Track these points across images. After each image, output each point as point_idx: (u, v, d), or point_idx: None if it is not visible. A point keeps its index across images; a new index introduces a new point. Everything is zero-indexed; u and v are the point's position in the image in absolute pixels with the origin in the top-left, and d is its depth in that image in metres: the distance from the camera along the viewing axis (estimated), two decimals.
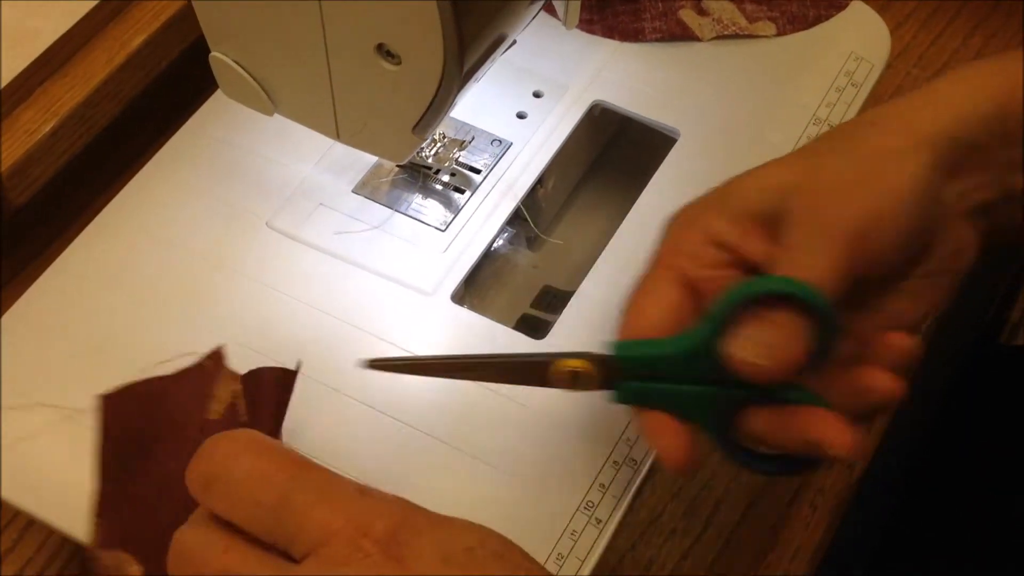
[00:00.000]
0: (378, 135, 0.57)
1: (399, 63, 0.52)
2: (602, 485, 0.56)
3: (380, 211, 0.65)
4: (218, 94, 0.68)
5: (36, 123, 0.66)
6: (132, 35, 0.70)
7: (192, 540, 0.43)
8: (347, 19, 0.52)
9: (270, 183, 0.66)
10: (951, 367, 0.79)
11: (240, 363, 0.59)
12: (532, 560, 0.44)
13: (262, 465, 0.43)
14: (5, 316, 0.61)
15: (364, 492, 0.43)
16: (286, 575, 0.41)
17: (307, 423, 0.57)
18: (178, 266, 0.63)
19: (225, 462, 0.43)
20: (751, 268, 0.51)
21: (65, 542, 0.61)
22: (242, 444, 0.44)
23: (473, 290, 0.66)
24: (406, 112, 0.55)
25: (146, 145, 0.70)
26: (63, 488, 0.56)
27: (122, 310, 0.61)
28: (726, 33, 0.72)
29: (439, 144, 0.66)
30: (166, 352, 0.59)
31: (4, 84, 0.66)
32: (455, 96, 0.53)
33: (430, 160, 0.65)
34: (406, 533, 0.42)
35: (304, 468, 0.43)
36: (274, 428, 0.54)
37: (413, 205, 0.65)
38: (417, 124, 0.55)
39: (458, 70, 0.52)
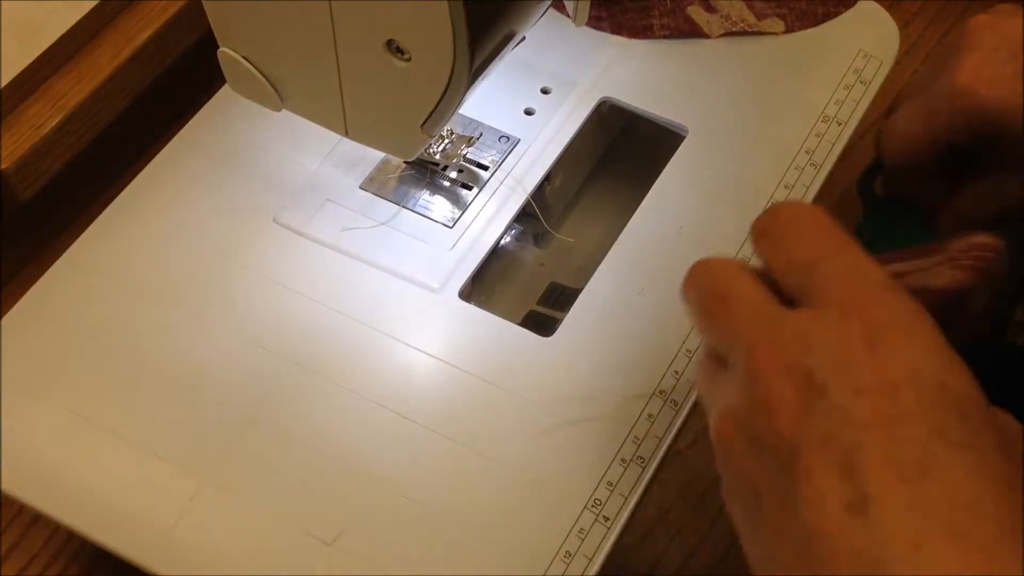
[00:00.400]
0: (387, 131, 0.57)
1: (409, 60, 0.52)
2: (609, 483, 0.56)
3: (387, 207, 0.64)
4: (225, 89, 0.68)
5: (42, 118, 0.66)
6: (139, 30, 0.70)
7: (716, 263, 0.48)
8: (357, 15, 0.52)
9: (277, 178, 0.66)
10: None
11: (245, 358, 0.59)
12: (997, 466, 0.40)
13: (810, 233, 0.46)
14: (10, 312, 0.61)
15: (888, 287, 0.44)
16: (774, 309, 0.45)
17: (312, 417, 0.57)
18: (184, 261, 0.63)
19: (786, 223, 0.47)
20: None
21: (71, 538, 0.61)
22: (805, 212, 0.48)
23: (480, 287, 0.66)
24: (415, 109, 0.54)
25: (152, 140, 0.69)
26: (70, 484, 0.56)
27: (128, 306, 0.61)
28: (734, 30, 0.72)
29: (447, 140, 0.66)
30: (171, 349, 0.60)
31: (11, 79, 0.66)
32: (464, 93, 0.53)
33: (438, 156, 0.65)
34: (894, 337, 0.42)
35: (845, 248, 0.46)
36: None
37: (421, 201, 0.65)
38: (426, 121, 0.55)
39: (468, 67, 0.51)
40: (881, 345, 0.42)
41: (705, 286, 0.48)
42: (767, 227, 0.48)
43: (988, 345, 0.67)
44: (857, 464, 0.40)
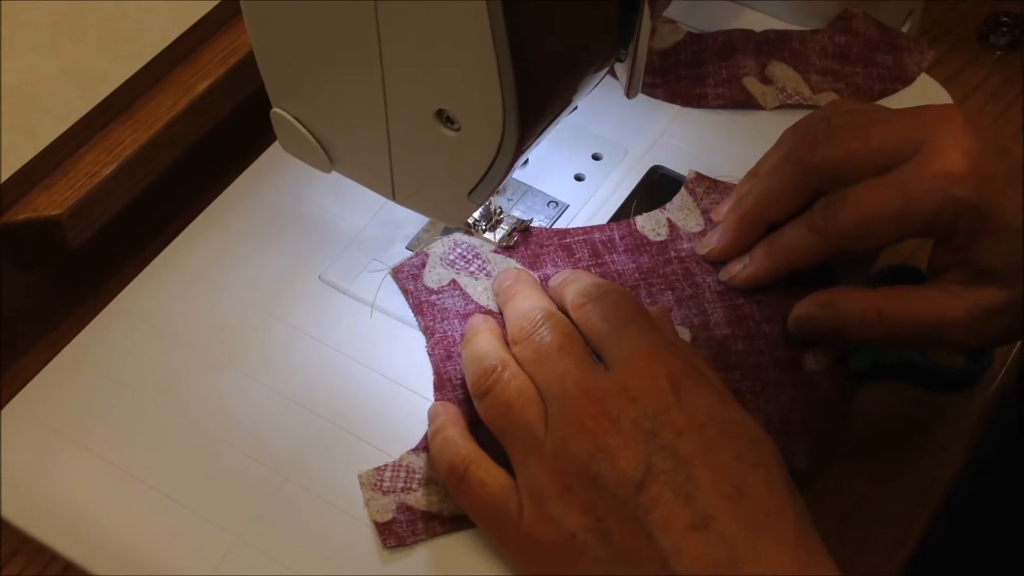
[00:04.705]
0: (434, 198, 0.58)
1: (458, 130, 0.52)
2: None
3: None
4: (276, 144, 0.68)
5: (98, 165, 0.67)
6: (197, 81, 0.70)
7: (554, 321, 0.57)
8: (409, 84, 0.52)
9: (325, 235, 0.66)
10: None
11: (283, 415, 0.59)
12: (780, 476, 0.51)
13: (619, 302, 0.57)
14: (56, 358, 0.62)
15: (674, 345, 0.55)
16: (594, 369, 0.54)
17: (348, 479, 0.58)
18: (228, 315, 0.63)
19: (602, 295, 0.57)
20: None
21: None
22: (614, 288, 0.58)
23: None
24: (463, 177, 0.55)
25: (204, 190, 0.70)
26: (104, 534, 0.56)
27: (170, 357, 0.62)
28: (789, 103, 0.71)
29: (495, 204, 0.66)
30: (211, 403, 0.60)
31: (69, 126, 0.67)
32: (512, 164, 0.53)
33: (483, 224, 0.65)
34: (689, 384, 0.52)
35: (644, 316, 0.56)
36: None
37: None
38: (473, 190, 0.55)
39: (517, 139, 0.52)
40: (682, 391, 0.52)
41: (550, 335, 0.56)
42: (588, 294, 0.57)
43: None
44: (693, 491, 0.49)
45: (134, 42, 0.70)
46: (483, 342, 0.58)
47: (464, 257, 0.63)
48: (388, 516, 0.56)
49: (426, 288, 0.62)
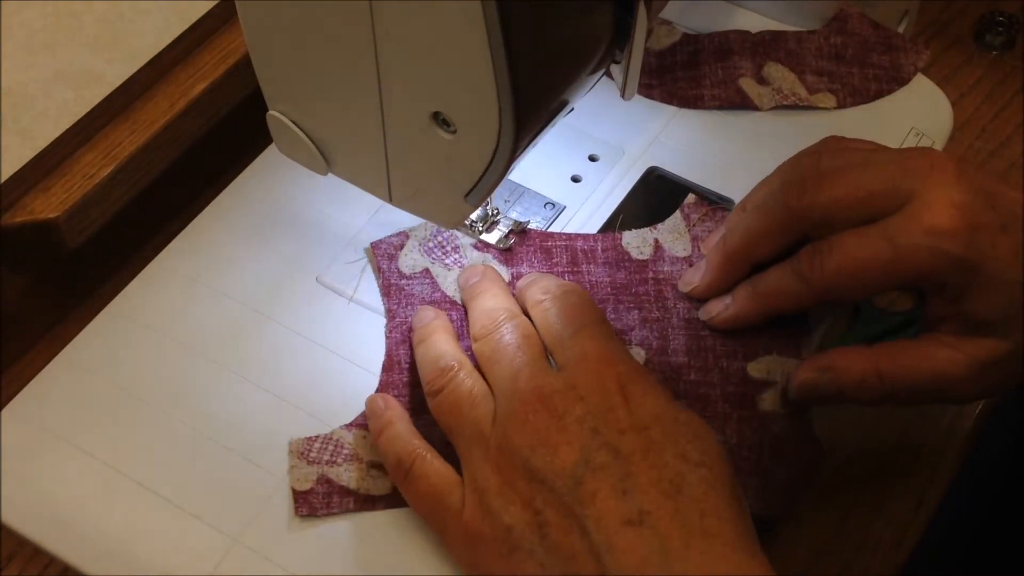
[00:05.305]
0: (430, 200, 0.58)
1: (454, 132, 0.52)
2: None
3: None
4: (273, 146, 0.68)
5: (95, 167, 0.67)
6: (195, 82, 0.70)
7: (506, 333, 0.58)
8: (405, 87, 0.52)
9: (322, 237, 0.66)
10: None
11: (280, 418, 0.59)
12: (722, 475, 0.51)
13: (579, 304, 0.58)
14: (53, 361, 0.62)
15: (626, 351, 0.56)
16: (546, 369, 0.55)
17: None
18: (226, 316, 0.63)
19: (563, 294, 0.58)
20: None
21: None
22: (575, 289, 0.59)
23: None
24: (459, 180, 0.55)
25: (203, 191, 0.70)
26: (103, 537, 0.57)
27: (167, 360, 0.62)
28: (786, 103, 0.71)
29: (492, 205, 0.66)
30: (208, 406, 0.60)
31: (66, 128, 0.67)
32: (508, 166, 0.53)
33: (480, 225, 0.65)
34: (636, 387, 0.53)
35: (601, 320, 0.57)
36: None
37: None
38: (470, 192, 0.55)
39: (512, 142, 0.52)
40: (630, 393, 0.52)
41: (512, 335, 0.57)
42: (548, 292, 0.58)
43: None
44: (630, 487, 0.49)
45: (131, 43, 0.70)
46: (440, 342, 0.59)
47: (442, 247, 0.64)
48: (307, 486, 0.57)
49: (398, 271, 0.63)
